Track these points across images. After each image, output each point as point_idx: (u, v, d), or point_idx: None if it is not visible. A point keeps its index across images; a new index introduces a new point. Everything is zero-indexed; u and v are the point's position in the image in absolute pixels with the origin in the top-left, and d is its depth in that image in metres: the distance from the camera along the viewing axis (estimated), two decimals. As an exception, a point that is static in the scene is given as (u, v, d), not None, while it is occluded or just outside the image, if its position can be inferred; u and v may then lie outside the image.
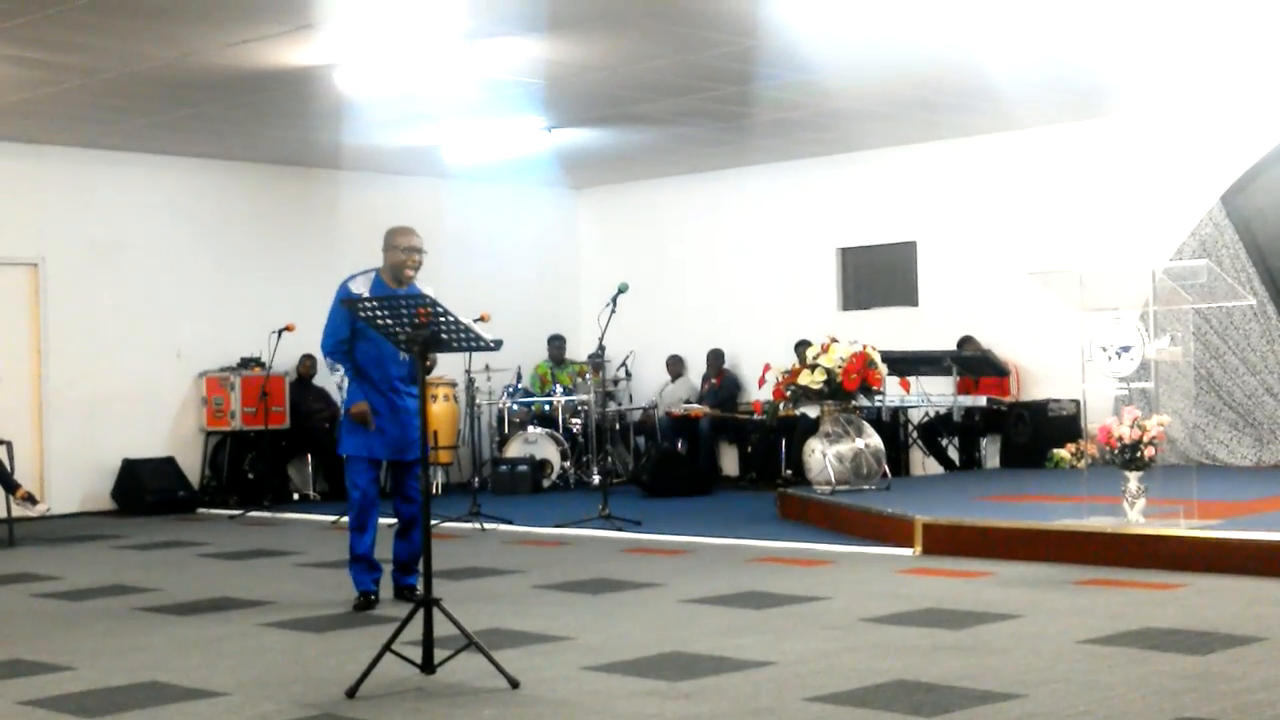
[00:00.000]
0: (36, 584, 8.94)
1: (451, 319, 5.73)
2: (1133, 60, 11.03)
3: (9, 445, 11.34)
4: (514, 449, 14.67)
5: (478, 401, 14.83)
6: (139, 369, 13.87)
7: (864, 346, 11.06)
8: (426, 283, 7.54)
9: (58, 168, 13.44)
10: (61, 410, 13.41)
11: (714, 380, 15.40)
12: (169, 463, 13.80)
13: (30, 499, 11.13)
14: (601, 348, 11.97)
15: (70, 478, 13.41)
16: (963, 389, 13.36)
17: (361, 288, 7.41)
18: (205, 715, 5.21)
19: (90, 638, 6.94)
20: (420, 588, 7.14)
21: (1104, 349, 8.69)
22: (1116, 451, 8.30)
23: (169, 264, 14.07)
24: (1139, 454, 8.25)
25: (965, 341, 13.72)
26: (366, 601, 7.54)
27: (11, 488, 11.05)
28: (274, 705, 5.33)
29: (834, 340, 11.12)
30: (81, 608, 7.96)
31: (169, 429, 14.05)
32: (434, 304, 5.72)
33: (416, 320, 5.75)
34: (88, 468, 13.54)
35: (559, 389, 15.37)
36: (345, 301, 6.45)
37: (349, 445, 7.61)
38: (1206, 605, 6.93)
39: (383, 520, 7.79)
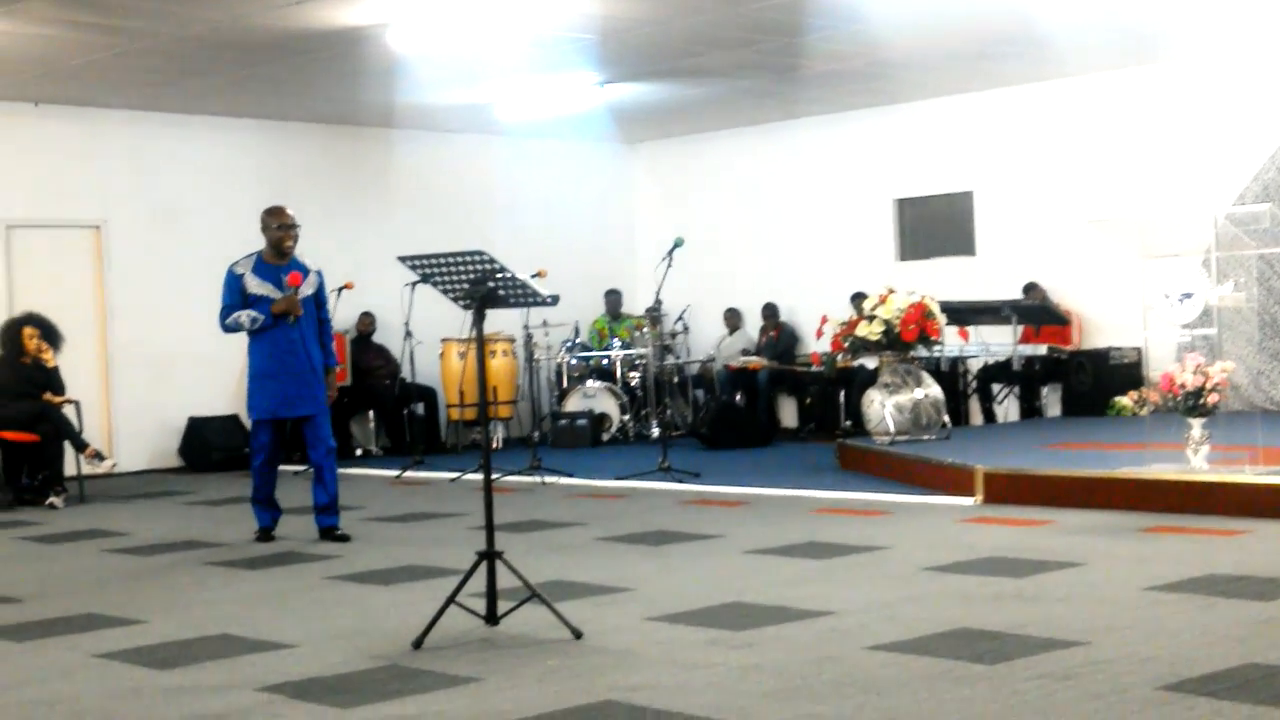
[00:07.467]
0: (107, 540, 9.11)
1: (508, 275, 5.78)
2: (1189, 4, 10.87)
3: (77, 404, 11.53)
4: (573, 403, 14.74)
5: (536, 357, 14.89)
6: (202, 328, 13.88)
7: (922, 297, 11.01)
8: (475, 242, 7.74)
9: (117, 131, 13.58)
10: (127, 369, 13.60)
11: (772, 333, 15.38)
12: (233, 420, 13.96)
13: (98, 455, 11.32)
14: (658, 301, 11.99)
15: (137, 436, 13.62)
16: (1025, 338, 13.28)
17: (244, 269, 8.42)
18: (275, 666, 5.30)
19: (161, 591, 7.07)
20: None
21: (1166, 296, 8.61)
22: (1179, 398, 8.24)
23: (228, 224, 14.10)
24: (1202, 400, 8.19)
25: (1030, 288, 13.61)
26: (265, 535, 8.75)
27: (80, 446, 11.24)
28: (341, 656, 5.41)
29: (892, 291, 11.08)
30: (152, 562, 8.11)
31: (233, 387, 14.17)
32: (491, 260, 5.75)
33: (472, 276, 5.80)
34: (154, 426, 13.74)
35: (616, 343, 15.41)
36: (402, 258, 6.29)
37: (251, 410, 8.61)
38: (1271, 551, 6.89)
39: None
